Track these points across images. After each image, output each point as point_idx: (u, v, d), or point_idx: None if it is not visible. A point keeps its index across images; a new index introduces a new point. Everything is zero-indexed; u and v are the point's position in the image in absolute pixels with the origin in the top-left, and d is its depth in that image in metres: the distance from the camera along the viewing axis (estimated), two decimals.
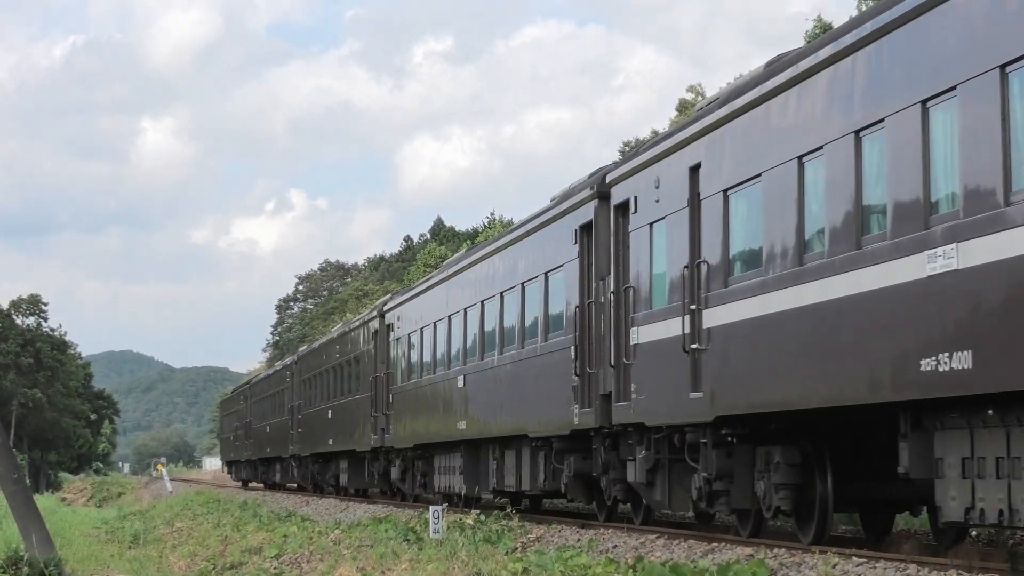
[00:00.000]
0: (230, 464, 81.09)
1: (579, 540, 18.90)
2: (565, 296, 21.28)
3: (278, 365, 62.32)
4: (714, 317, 15.92)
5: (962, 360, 11.19)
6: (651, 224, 17.93)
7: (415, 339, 31.66)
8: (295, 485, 54.65)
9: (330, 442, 41.85)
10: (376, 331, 35.59)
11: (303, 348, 56.68)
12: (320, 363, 45.72)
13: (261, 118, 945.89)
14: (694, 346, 16.21)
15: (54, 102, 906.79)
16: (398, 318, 33.62)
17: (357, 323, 39.73)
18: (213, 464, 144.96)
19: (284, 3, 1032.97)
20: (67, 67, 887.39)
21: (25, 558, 22.22)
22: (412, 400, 31.60)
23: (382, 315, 35.15)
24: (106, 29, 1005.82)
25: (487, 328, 25.86)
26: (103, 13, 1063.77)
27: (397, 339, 33.50)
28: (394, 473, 34.62)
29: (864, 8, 48.90)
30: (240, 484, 72.05)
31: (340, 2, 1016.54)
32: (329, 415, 42.14)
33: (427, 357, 30.48)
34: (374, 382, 35.23)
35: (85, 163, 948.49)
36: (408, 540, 21.45)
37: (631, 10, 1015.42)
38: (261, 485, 65.39)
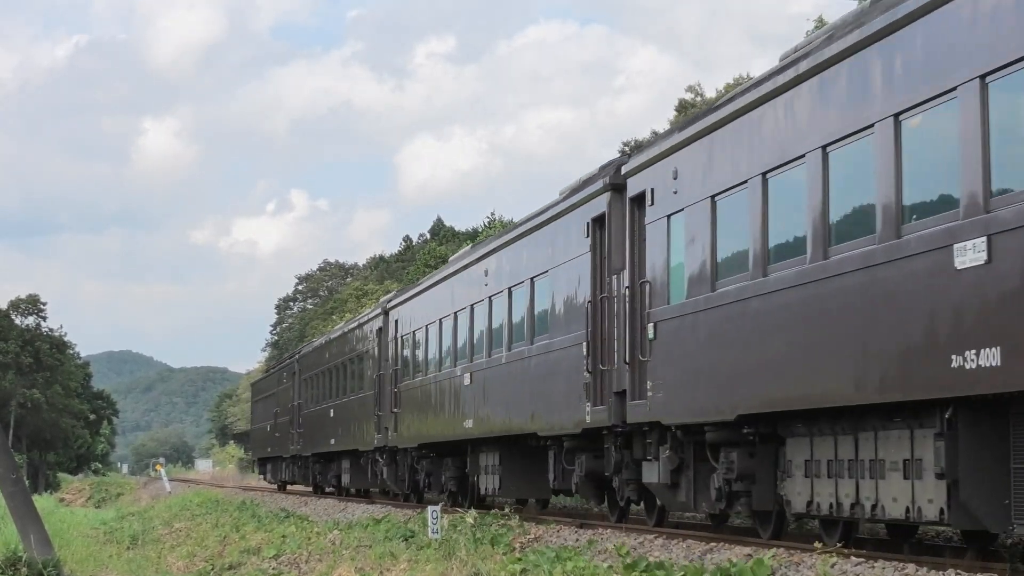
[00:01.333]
0: (263, 463, 64.66)
1: (578, 540, 18.88)
2: None
3: (351, 323, 43.02)
4: None
5: None
6: None
7: (734, 211, 15.96)
8: (379, 490, 39.29)
9: (467, 424, 26.78)
10: (597, 221, 20.10)
11: (390, 295, 38.31)
12: (440, 300, 29.94)
13: (263, 119, 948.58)
14: None
15: (56, 102, 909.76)
16: (674, 174, 17.41)
17: (543, 218, 22.89)
18: (205, 466, 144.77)
19: (287, 3, 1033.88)
20: (70, 67, 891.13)
21: (24, 559, 22.22)
22: (718, 331, 16.09)
23: (614, 187, 19.55)
24: (109, 29, 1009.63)
25: None
26: (106, 13, 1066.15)
27: (672, 216, 17.51)
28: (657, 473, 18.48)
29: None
30: (277, 488, 58.95)
31: (343, 2, 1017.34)
32: (467, 382, 26.97)
33: (757, 246, 15.31)
34: (594, 311, 19.99)
35: (87, 163, 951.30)
36: (407, 540, 21.43)
37: (633, 11, 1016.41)
38: (310, 489, 50.60)
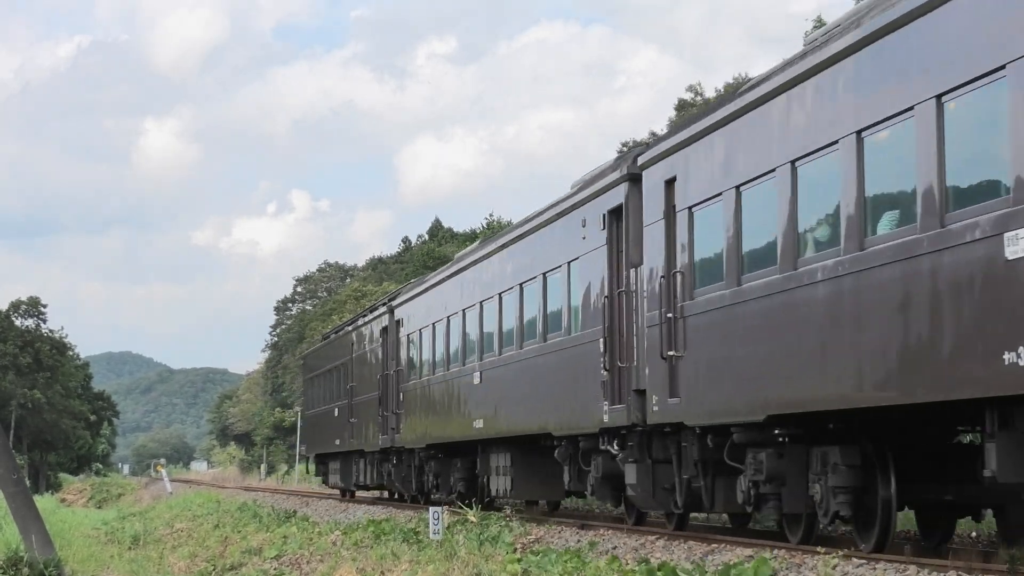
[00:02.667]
0: (323, 460, 47.15)
1: (579, 541, 18.91)
2: None
3: (520, 226, 24.86)
4: None
5: None
6: None
7: None
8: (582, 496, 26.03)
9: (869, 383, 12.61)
10: None
11: (637, 150, 19.40)
12: (779, 134, 14.54)
13: (264, 119, 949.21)
14: None
15: (58, 103, 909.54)
16: None
17: None
18: (201, 467, 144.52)
19: (289, 4, 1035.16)
20: (72, 68, 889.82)
21: (25, 559, 22.27)
22: None
23: None
24: (112, 30, 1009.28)
25: None
26: (109, 14, 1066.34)
27: None
28: None
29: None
30: (341, 496, 43.27)
31: (344, 3, 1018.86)
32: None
33: None
34: None
35: (88, 164, 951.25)
36: (408, 541, 21.45)
37: (634, 11, 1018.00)
38: (398, 496, 37.03)
